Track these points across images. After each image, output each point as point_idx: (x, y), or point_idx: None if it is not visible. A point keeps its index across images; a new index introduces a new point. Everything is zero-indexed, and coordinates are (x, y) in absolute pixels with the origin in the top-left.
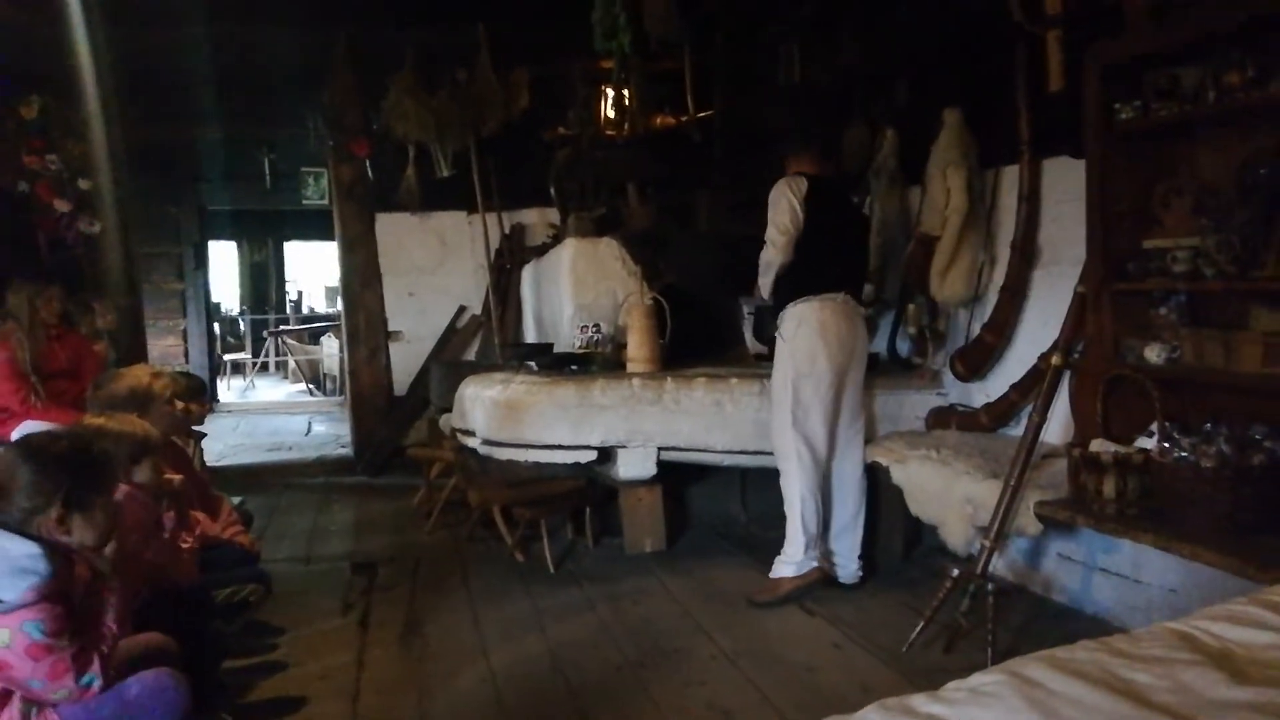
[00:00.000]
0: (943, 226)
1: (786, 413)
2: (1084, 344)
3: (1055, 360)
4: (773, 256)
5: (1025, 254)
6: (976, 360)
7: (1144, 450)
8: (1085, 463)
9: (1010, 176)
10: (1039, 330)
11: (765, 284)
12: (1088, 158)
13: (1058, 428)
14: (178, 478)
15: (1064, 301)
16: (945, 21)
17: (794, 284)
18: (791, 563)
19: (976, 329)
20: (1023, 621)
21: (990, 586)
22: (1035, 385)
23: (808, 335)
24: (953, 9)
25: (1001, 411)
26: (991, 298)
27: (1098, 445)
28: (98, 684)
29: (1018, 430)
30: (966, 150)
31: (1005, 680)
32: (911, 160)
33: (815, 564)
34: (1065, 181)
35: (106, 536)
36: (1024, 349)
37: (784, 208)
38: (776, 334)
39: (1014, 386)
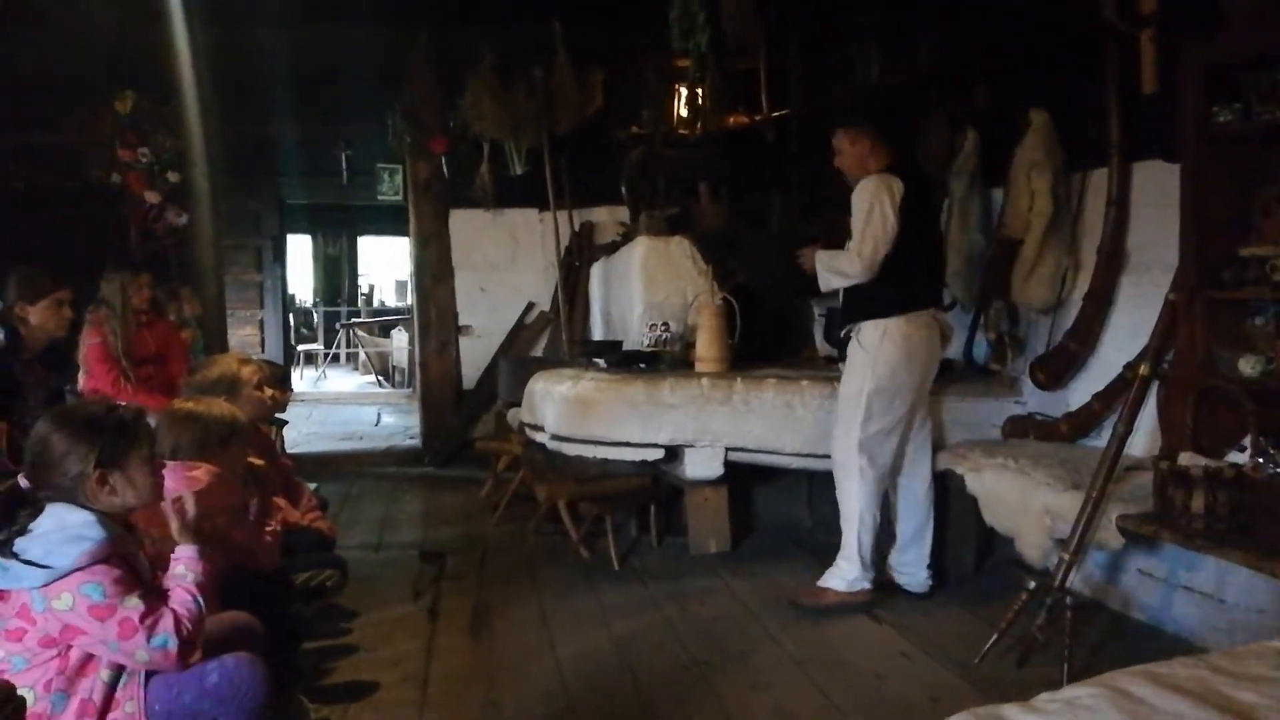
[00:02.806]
0: (1026, 230)
1: (855, 426)
2: (1174, 354)
3: (1144, 370)
4: (859, 272)
5: (1112, 260)
6: (1058, 368)
7: (1235, 465)
8: (1173, 476)
9: (1098, 180)
10: (1125, 339)
11: (832, 285)
12: (1183, 162)
13: (1142, 439)
14: (259, 462)
15: (1151, 310)
16: (1030, 21)
17: (881, 301)
18: (843, 579)
19: (1058, 336)
20: (1100, 638)
21: (1069, 600)
22: (1119, 395)
23: (890, 349)
24: (1039, 8)
25: (1083, 421)
26: (1074, 304)
27: (1186, 459)
28: (173, 645)
29: (1098, 441)
30: (1052, 152)
31: (1102, 694)
32: (993, 162)
33: (868, 585)
34: (1157, 186)
35: (150, 495)
36: (1108, 357)
37: (879, 217)
38: (854, 339)
39: (1097, 396)
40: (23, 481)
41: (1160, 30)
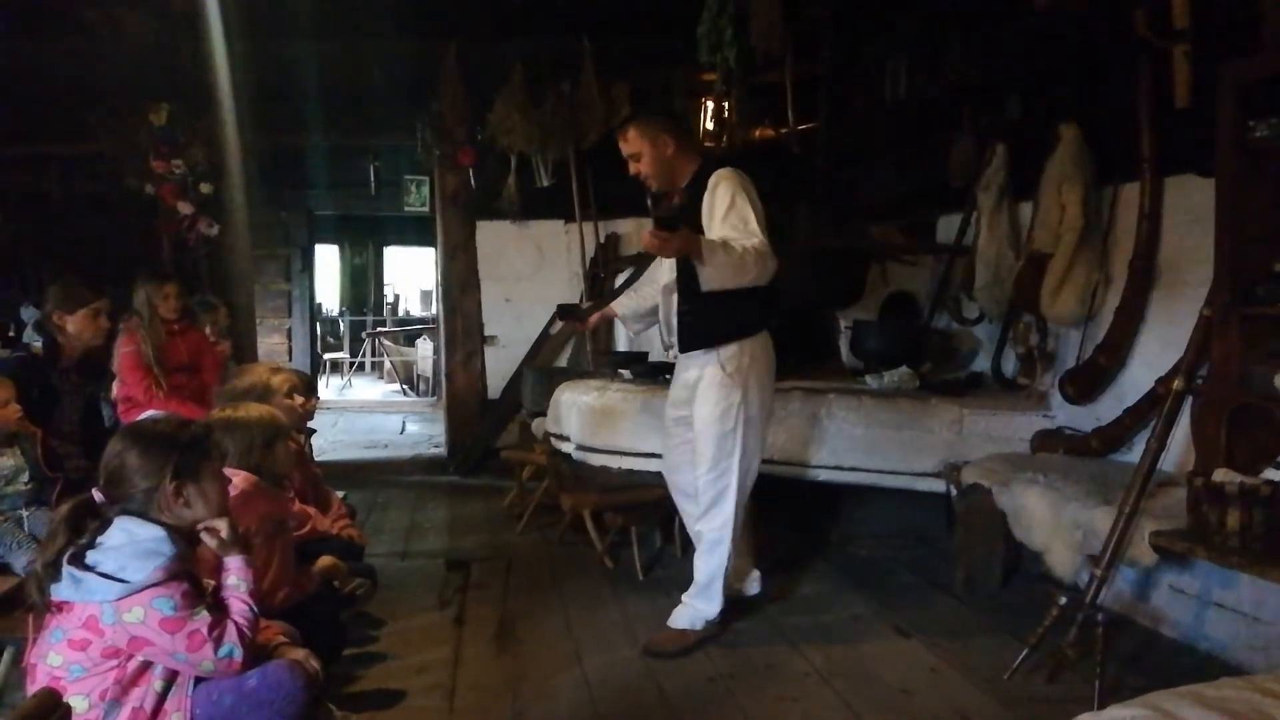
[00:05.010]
0: (1055, 244)
1: (732, 462)
2: (1208, 369)
3: (1177, 385)
4: (772, 267)
5: (1144, 274)
6: (1088, 383)
7: (1271, 482)
8: (1208, 492)
9: (1129, 194)
10: (1156, 354)
11: (726, 284)
12: (1219, 176)
13: (1175, 455)
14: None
15: (1183, 325)
16: (1062, 34)
17: (743, 318)
18: (704, 618)
19: (1088, 350)
20: (1130, 655)
21: (1100, 617)
22: (1151, 410)
23: (759, 372)
24: (1070, 22)
25: (1114, 436)
26: (1105, 319)
27: (1221, 475)
28: (238, 654)
29: (1129, 457)
30: (1083, 166)
31: (1148, 715)
32: (1022, 176)
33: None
34: (1190, 201)
35: (220, 508)
36: (1138, 372)
37: (757, 207)
38: (714, 364)
39: (1128, 411)
40: (96, 495)
41: (1194, 44)
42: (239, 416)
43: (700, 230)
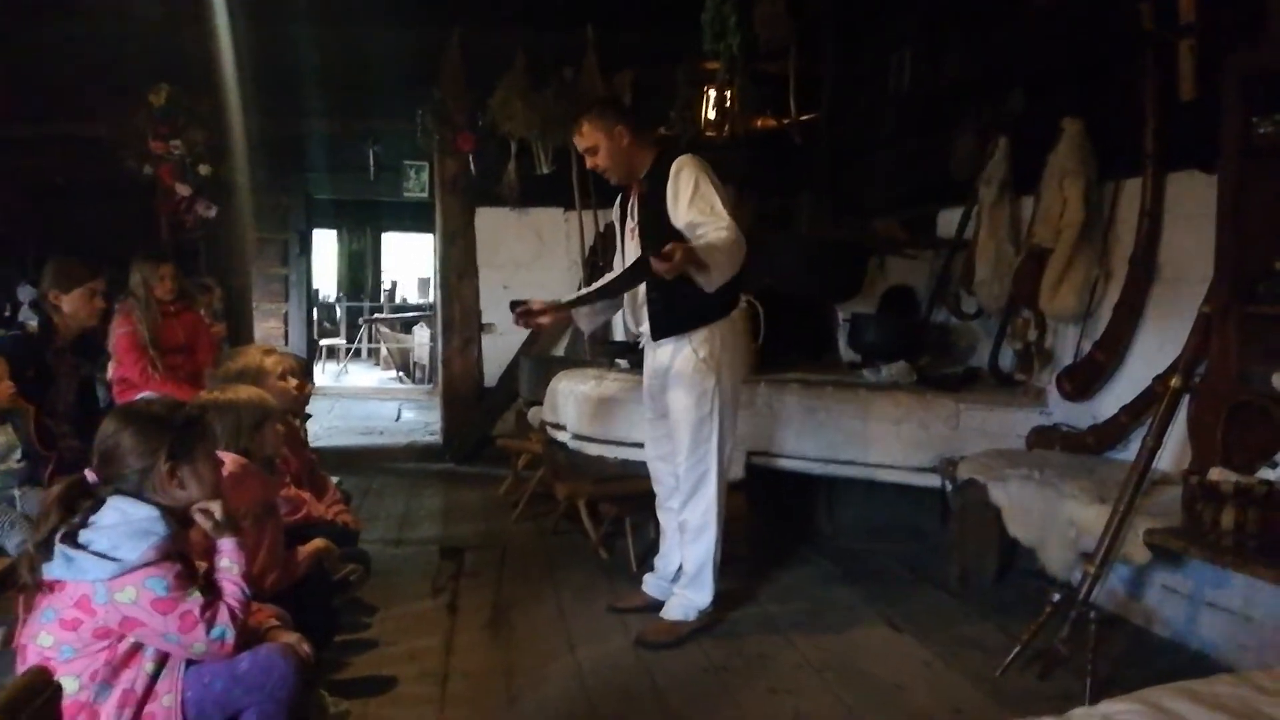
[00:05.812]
0: (1056, 239)
1: (711, 450)
2: (1206, 367)
3: (1175, 383)
4: (743, 252)
5: (1144, 270)
6: (1085, 379)
7: (1267, 482)
8: (1203, 491)
9: (1131, 190)
10: (1154, 351)
11: (725, 277)
12: (1221, 172)
13: (1171, 453)
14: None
15: (1183, 322)
16: (1066, 28)
17: (712, 302)
18: (697, 608)
19: (1086, 347)
20: (1122, 653)
21: (1093, 615)
22: (1148, 408)
23: (730, 356)
24: (1074, 15)
25: (1110, 433)
26: (1104, 315)
27: (1217, 474)
28: (230, 635)
29: (1125, 454)
30: (1085, 161)
31: (1141, 710)
32: (1024, 170)
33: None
34: (1192, 197)
35: (213, 489)
36: (1136, 370)
37: (720, 190)
38: (687, 350)
39: (1125, 408)
40: (90, 475)
41: (1199, 38)
42: (227, 399)
43: (664, 218)
